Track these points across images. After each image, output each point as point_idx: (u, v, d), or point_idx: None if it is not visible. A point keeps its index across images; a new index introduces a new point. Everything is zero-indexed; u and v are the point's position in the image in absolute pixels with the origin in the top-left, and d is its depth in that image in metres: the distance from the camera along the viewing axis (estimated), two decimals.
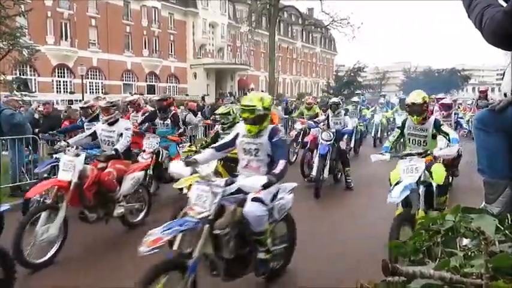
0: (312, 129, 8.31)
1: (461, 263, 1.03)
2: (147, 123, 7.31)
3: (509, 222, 1.26)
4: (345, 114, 8.26)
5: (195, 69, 41.28)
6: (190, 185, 4.42)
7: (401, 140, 5.11)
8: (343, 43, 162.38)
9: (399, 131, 4.86)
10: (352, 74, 42.19)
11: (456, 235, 1.23)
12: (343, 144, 7.81)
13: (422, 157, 4.20)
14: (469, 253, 1.14)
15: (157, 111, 7.32)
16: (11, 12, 14.86)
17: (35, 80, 29.66)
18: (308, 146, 8.11)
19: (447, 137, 4.55)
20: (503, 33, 1.63)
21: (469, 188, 6.45)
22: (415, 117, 4.58)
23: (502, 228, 1.22)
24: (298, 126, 10.29)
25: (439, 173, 4.19)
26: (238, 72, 45.14)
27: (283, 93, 42.65)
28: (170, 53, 40.35)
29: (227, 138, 3.80)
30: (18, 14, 15.85)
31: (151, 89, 37.14)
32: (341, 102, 8.55)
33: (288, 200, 3.65)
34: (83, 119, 6.91)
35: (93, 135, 5.31)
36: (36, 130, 8.08)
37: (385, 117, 14.00)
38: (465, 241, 1.25)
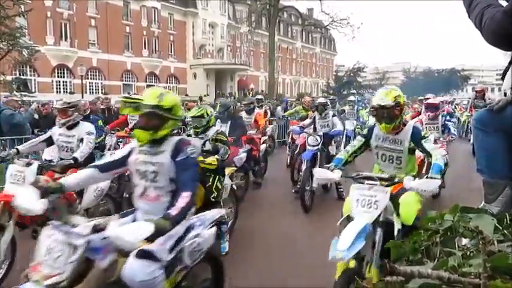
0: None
1: (460, 263, 1.03)
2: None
3: (508, 221, 1.26)
4: (335, 115, 7.53)
5: (195, 70, 41.29)
6: None
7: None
8: (342, 43, 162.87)
9: (363, 140, 3.55)
10: (351, 74, 42.24)
11: (455, 235, 1.23)
12: (332, 149, 7.03)
13: (387, 185, 2.89)
14: (468, 253, 1.14)
15: None
16: (10, 13, 14.88)
17: (34, 80, 29.67)
18: (298, 150, 7.51)
19: (429, 159, 3.31)
20: (503, 32, 1.64)
21: (468, 188, 6.32)
22: (383, 124, 3.28)
23: (501, 227, 1.22)
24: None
25: (409, 209, 2.96)
26: (238, 73, 45.15)
27: (283, 93, 42.67)
28: (170, 53, 40.35)
29: (118, 153, 2.75)
30: (17, 14, 15.88)
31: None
32: (328, 103, 7.79)
33: (207, 237, 2.64)
34: None
35: (49, 140, 4.65)
36: (36, 130, 8.09)
37: None
38: (464, 241, 1.25)
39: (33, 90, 25.14)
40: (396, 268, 0.94)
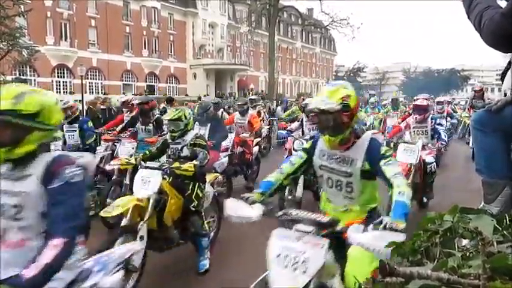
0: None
1: (459, 264, 1.03)
2: (127, 132, 6.68)
3: (508, 222, 1.26)
4: None
5: (195, 70, 41.31)
6: (121, 214, 3.51)
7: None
8: (342, 43, 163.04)
9: (304, 157, 2.53)
10: (351, 74, 42.30)
11: (454, 235, 1.23)
12: None
13: (325, 235, 1.96)
14: (467, 254, 1.14)
15: (139, 116, 6.63)
16: (10, 13, 14.89)
17: (34, 80, 29.65)
18: (286, 155, 6.90)
19: (389, 191, 2.22)
20: (502, 33, 1.64)
21: (467, 188, 6.21)
22: (326, 136, 2.34)
23: (500, 228, 1.22)
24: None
25: (359, 269, 1.89)
26: (238, 73, 45.17)
27: (283, 93, 42.68)
28: (170, 53, 40.36)
29: None
30: (17, 14, 15.90)
31: (151, 90, 37.15)
32: None
33: (108, 286, 2.01)
34: (62, 120, 6.59)
35: None
36: None
37: (377, 119, 12.38)
38: (464, 241, 1.25)
39: None
40: (396, 269, 0.94)
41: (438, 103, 10.78)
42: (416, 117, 6.19)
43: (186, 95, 32.18)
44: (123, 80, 36.41)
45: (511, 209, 1.83)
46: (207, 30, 42.48)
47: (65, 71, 32.16)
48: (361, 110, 12.06)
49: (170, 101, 13.13)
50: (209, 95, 34.23)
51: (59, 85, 31.82)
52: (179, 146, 4.30)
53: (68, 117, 6.11)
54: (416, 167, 5.35)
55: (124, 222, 3.49)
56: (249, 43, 48.44)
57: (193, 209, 4.04)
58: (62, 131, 6.26)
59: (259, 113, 11.86)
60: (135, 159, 4.40)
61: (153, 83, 38.83)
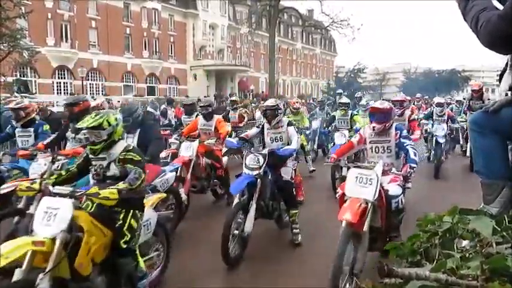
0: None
1: (458, 265, 1.03)
2: (56, 146, 5.50)
3: (507, 223, 1.26)
4: (291, 125, 5.17)
5: (195, 71, 41.32)
6: (15, 267, 2.42)
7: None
8: (343, 44, 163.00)
9: None
10: (352, 75, 42.34)
11: (454, 236, 1.24)
12: (287, 172, 4.86)
13: None
14: (467, 254, 1.14)
15: (69, 121, 5.31)
16: (11, 14, 14.93)
17: (35, 81, 29.70)
18: (169, 159, 6.05)
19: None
20: (499, 35, 1.65)
21: (467, 189, 6.24)
22: None
23: (500, 229, 1.22)
24: None
25: None
26: (238, 74, 45.18)
27: (283, 94, 42.70)
28: (170, 54, 40.38)
29: None
30: (18, 15, 15.94)
31: (151, 91, 37.19)
32: (280, 107, 5.19)
33: None
34: (14, 123, 5.34)
35: None
36: None
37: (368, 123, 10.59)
38: (463, 242, 1.25)
39: (33, 92, 25.21)
40: (394, 270, 0.94)
41: (438, 105, 9.30)
42: (374, 127, 4.29)
43: (187, 96, 32.22)
44: (123, 82, 36.44)
45: (510, 209, 1.83)
46: (207, 31, 42.50)
47: (66, 72, 32.17)
48: (357, 114, 11.03)
49: (171, 102, 13.10)
50: (209, 96, 34.34)
51: (60, 86, 31.84)
52: (104, 163, 3.27)
53: (21, 119, 5.17)
54: (375, 204, 3.50)
55: (17, 275, 2.42)
56: (249, 44, 48.45)
57: (125, 245, 3.00)
58: (14, 136, 5.37)
59: (242, 116, 10.83)
60: (40, 182, 3.13)
61: (153, 84, 38.86)
